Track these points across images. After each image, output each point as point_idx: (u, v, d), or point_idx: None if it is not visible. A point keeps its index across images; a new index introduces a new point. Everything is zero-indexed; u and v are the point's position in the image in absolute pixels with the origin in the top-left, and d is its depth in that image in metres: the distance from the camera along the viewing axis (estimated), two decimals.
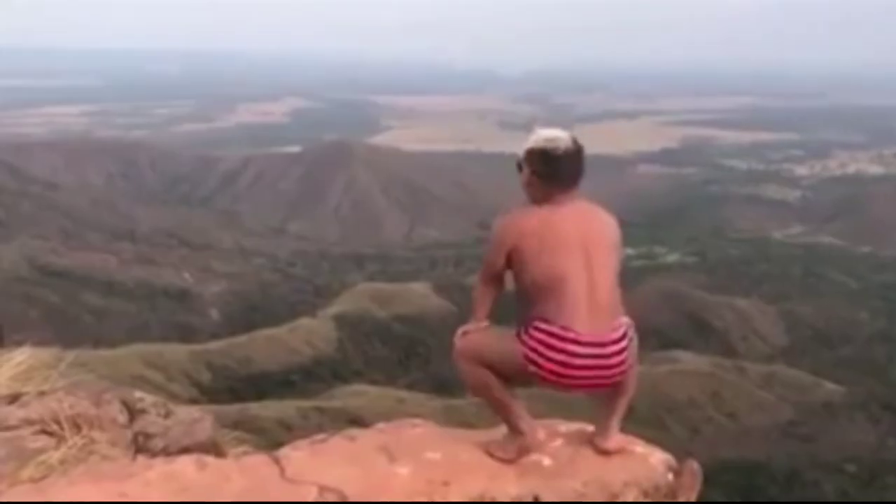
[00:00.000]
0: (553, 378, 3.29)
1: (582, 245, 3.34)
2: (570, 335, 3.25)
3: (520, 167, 3.53)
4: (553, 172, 3.40)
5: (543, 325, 3.26)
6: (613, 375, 3.36)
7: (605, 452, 3.52)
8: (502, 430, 3.60)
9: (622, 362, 3.36)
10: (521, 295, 3.37)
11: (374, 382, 58.91)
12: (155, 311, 79.07)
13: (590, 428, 3.72)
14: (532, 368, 3.28)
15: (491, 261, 3.44)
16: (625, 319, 3.43)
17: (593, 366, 3.29)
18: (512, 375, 3.39)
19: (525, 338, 3.29)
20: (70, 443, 3.29)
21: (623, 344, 3.36)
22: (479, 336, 3.47)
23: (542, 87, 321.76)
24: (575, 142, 3.45)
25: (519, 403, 3.47)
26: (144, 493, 2.78)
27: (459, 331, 3.56)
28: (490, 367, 3.38)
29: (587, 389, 3.40)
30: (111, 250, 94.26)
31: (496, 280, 3.49)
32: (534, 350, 3.26)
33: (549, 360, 3.26)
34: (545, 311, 3.28)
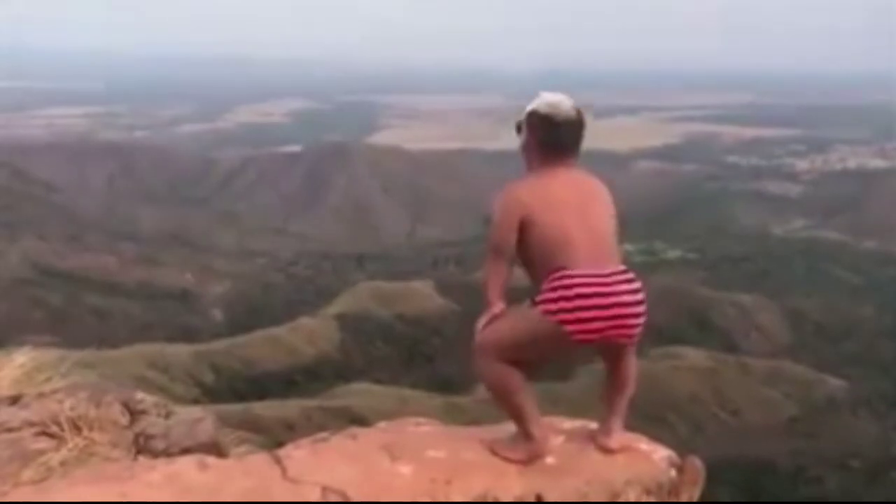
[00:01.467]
0: (579, 327, 3.17)
1: (580, 204, 3.33)
2: (587, 274, 3.19)
3: (519, 129, 3.51)
4: (552, 138, 3.37)
5: (559, 274, 3.19)
6: (634, 319, 3.26)
7: (608, 450, 3.50)
8: (506, 428, 3.58)
9: (640, 303, 3.27)
10: (528, 265, 3.32)
11: (376, 381, 58.94)
12: (157, 311, 79.16)
13: (592, 425, 3.70)
14: (556, 319, 3.16)
15: (501, 238, 3.31)
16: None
17: (616, 304, 3.20)
18: (529, 353, 3.31)
19: (542, 297, 3.21)
20: (71, 444, 3.29)
21: (638, 285, 3.29)
22: (497, 323, 3.35)
23: (543, 84, 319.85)
24: (577, 111, 3.43)
25: (534, 406, 3.40)
26: (146, 495, 2.77)
27: (478, 324, 3.42)
28: (508, 351, 3.29)
29: (612, 336, 3.26)
30: (113, 251, 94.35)
31: (507, 259, 3.36)
32: (554, 301, 3.17)
33: (574, 305, 3.16)
34: (553, 266, 3.22)
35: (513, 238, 3.29)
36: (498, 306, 3.37)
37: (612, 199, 3.46)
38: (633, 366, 3.50)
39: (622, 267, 3.30)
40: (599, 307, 3.17)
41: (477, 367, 3.39)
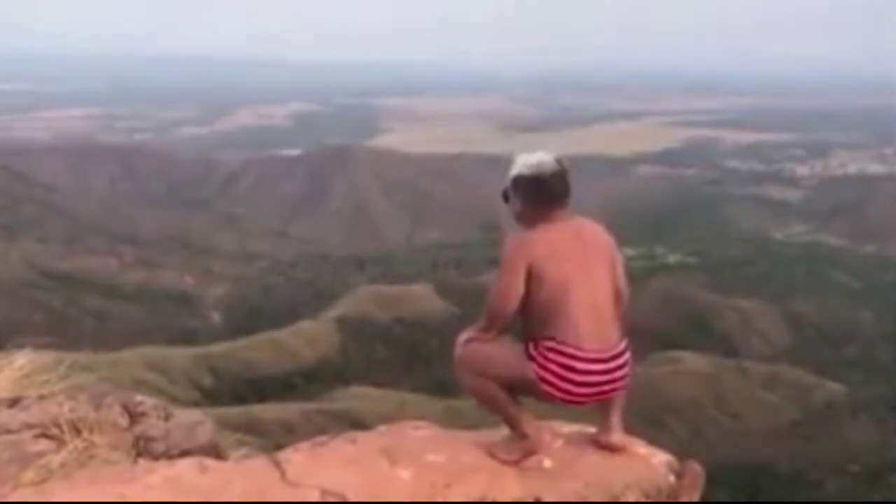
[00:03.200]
0: (565, 397, 3.32)
1: (582, 257, 3.38)
2: (587, 355, 3.29)
3: (506, 198, 3.57)
4: (545, 195, 3.43)
5: (556, 346, 3.27)
6: (617, 388, 3.42)
7: (609, 448, 3.52)
8: (504, 431, 3.59)
9: (625, 375, 3.42)
10: (528, 313, 3.35)
11: (375, 385, 58.92)
12: (156, 314, 79.14)
13: (590, 429, 3.71)
14: (545, 388, 3.29)
15: (511, 286, 3.32)
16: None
17: (603, 381, 3.35)
18: (516, 389, 3.39)
19: (537, 357, 3.29)
20: (70, 446, 3.29)
21: (626, 357, 3.42)
22: (485, 349, 3.41)
23: (544, 88, 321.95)
24: (558, 161, 3.50)
25: (521, 408, 3.46)
26: (145, 497, 2.77)
27: (461, 337, 3.52)
28: (497, 380, 3.37)
29: (592, 402, 3.44)
30: (113, 254, 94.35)
31: (512, 311, 3.37)
32: (549, 371, 3.27)
33: (565, 380, 3.27)
34: (553, 328, 3.29)
35: (521, 285, 3.33)
36: (489, 335, 3.45)
37: (612, 245, 3.54)
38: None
39: (620, 344, 3.40)
40: (588, 384, 3.32)
41: (459, 376, 3.47)
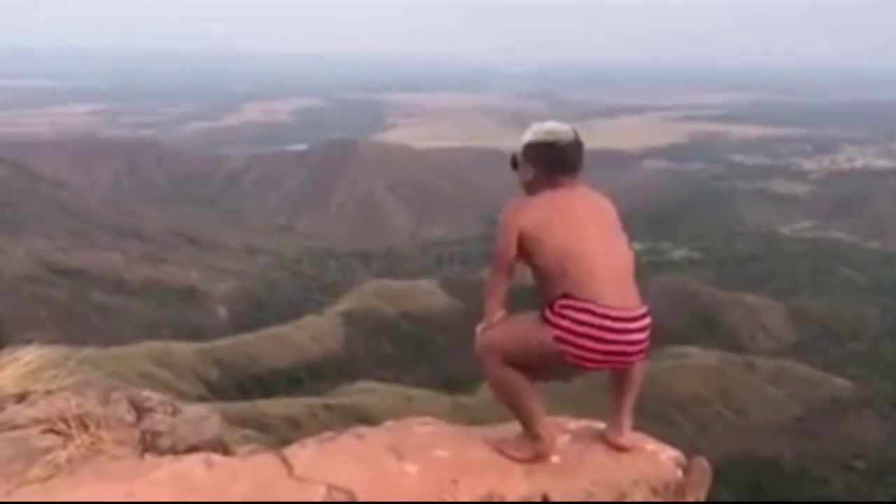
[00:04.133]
0: (581, 355, 3.19)
1: (594, 221, 3.35)
2: (602, 310, 3.18)
3: (514, 164, 3.55)
4: (559, 163, 3.40)
5: (573, 302, 3.18)
6: (634, 353, 3.29)
7: (619, 448, 3.50)
8: (512, 427, 3.58)
9: (644, 340, 3.30)
10: (541, 277, 3.30)
11: (381, 380, 58.99)
12: (163, 309, 79.33)
13: (598, 425, 3.70)
14: (563, 347, 3.18)
15: (501, 249, 3.34)
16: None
17: (621, 341, 3.21)
18: (535, 364, 3.31)
19: (553, 317, 3.20)
20: (77, 442, 3.29)
21: (647, 321, 3.32)
22: (501, 328, 3.37)
23: (549, 83, 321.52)
24: (574, 131, 3.47)
25: (540, 407, 3.41)
26: (152, 493, 2.77)
27: (478, 329, 3.47)
28: (515, 358, 3.30)
29: (608, 366, 3.33)
30: (119, 249, 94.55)
31: (508, 270, 3.39)
32: (566, 329, 3.17)
33: (582, 335, 3.16)
34: (568, 286, 3.20)
35: (512, 249, 3.33)
36: (500, 314, 3.42)
37: (616, 215, 3.50)
38: (638, 369, 3.50)
39: (643, 306, 3.32)
40: (605, 341, 3.20)
41: (484, 367, 3.40)
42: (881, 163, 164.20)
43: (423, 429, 3.60)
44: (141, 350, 55.12)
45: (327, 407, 46.97)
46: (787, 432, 55.57)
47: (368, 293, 76.00)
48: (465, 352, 65.97)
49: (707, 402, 58.25)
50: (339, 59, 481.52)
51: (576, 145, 3.43)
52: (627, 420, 3.55)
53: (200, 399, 47.41)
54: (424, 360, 69.09)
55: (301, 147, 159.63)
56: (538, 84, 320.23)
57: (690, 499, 3.52)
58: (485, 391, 54.26)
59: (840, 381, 64.28)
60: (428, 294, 77.32)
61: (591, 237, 3.28)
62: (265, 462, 3.11)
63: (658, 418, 52.76)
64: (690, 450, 3.80)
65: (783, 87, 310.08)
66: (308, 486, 2.93)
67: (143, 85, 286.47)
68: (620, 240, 3.41)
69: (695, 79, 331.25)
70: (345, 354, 66.31)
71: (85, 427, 3.42)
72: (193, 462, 3.02)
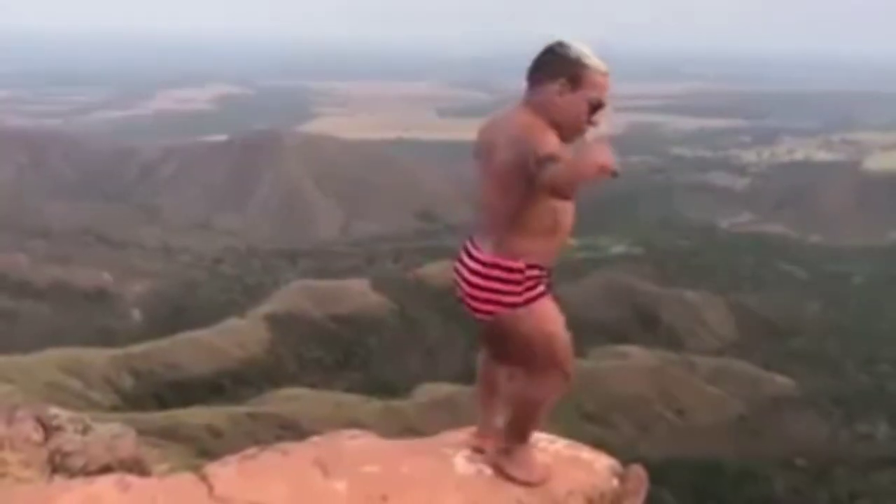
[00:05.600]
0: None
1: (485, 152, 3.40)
2: (465, 244, 3.44)
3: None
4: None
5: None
6: (467, 297, 3.35)
7: (479, 451, 3.59)
8: (446, 438, 3.63)
9: (473, 287, 3.29)
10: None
11: (309, 386, 58.53)
12: (72, 313, 77.33)
13: (541, 435, 3.77)
14: None
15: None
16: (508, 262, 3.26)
17: (457, 276, 3.41)
18: None
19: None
20: None
21: (480, 268, 3.28)
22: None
23: (481, 71, 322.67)
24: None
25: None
26: None
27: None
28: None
29: (465, 307, 3.41)
30: (22, 249, 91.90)
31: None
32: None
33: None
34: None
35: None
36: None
37: (518, 134, 3.21)
38: (511, 381, 3.53)
39: (480, 250, 3.31)
40: (455, 271, 3.44)
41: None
42: (822, 155, 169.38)
43: (351, 443, 3.62)
44: (48, 358, 53.62)
45: (251, 415, 46.40)
46: (729, 432, 56.95)
47: (295, 294, 75.30)
48: (397, 355, 66.04)
49: (647, 402, 59.32)
50: (259, 44, 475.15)
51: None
52: (499, 424, 3.60)
53: (114, 409, 46.46)
54: (355, 364, 68.81)
55: (221, 138, 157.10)
56: (473, 72, 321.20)
57: None
58: (418, 396, 54.43)
59: (781, 379, 66.13)
60: (358, 294, 76.96)
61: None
62: (184, 482, 3.10)
63: (597, 420, 53.66)
64: (630, 451, 3.90)
65: (721, 76, 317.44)
66: None
67: (47, 70, 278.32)
68: (492, 173, 3.25)
69: (632, 68, 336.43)
70: (270, 359, 65.58)
71: None
72: (107, 484, 2.99)
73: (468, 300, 3.33)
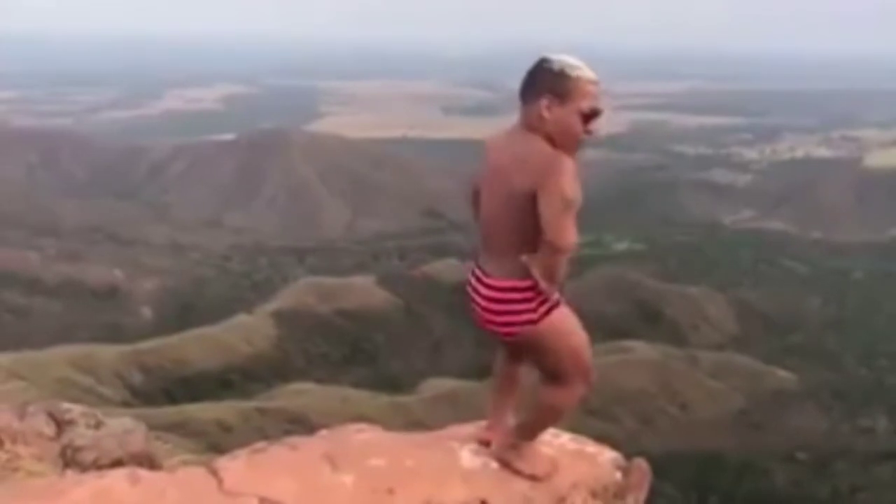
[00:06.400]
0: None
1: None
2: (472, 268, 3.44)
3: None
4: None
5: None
6: (482, 319, 3.36)
7: (485, 444, 3.59)
8: (454, 432, 3.63)
9: (488, 310, 3.30)
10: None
11: (316, 381, 58.60)
12: (82, 310, 77.49)
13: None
14: None
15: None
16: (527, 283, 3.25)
17: (470, 299, 3.41)
18: None
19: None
20: None
21: (493, 293, 3.28)
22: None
23: (487, 70, 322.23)
24: None
25: None
26: None
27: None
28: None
29: (479, 326, 3.42)
30: (33, 246, 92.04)
31: None
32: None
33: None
34: None
35: None
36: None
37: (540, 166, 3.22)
38: (521, 372, 3.58)
39: (491, 276, 3.30)
40: (467, 295, 3.42)
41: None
42: (822, 152, 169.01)
43: (358, 437, 3.62)
44: (60, 354, 53.75)
45: (260, 410, 46.49)
46: (731, 425, 56.93)
47: (302, 290, 75.36)
48: (403, 350, 66.04)
49: (650, 396, 59.32)
50: (267, 44, 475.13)
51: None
52: (511, 421, 3.61)
53: (125, 404, 46.59)
54: (361, 359, 68.88)
55: (228, 137, 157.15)
56: (478, 71, 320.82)
57: (630, 501, 3.62)
58: (424, 391, 54.50)
59: (782, 373, 66.09)
60: (364, 290, 77.01)
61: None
62: (194, 476, 3.10)
63: (601, 414, 53.61)
64: (633, 444, 3.90)
65: (723, 75, 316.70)
66: (239, 499, 2.93)
67: (57, 71, 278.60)
68: (505, 196, 3.23)
69: (635, 67, 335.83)
70: (277, 355, 65.65)
71: (0, 443, 3.36)
72: (118, 478, 2.99)
73: (489, 326, 3.34)
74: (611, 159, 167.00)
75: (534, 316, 3.24)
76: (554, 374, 3.35)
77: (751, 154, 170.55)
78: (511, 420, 3.61)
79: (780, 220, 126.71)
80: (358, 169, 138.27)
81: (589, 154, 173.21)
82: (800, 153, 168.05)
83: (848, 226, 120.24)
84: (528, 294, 3.23)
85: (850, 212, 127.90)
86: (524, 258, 3.18)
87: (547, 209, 3.08)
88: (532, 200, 3.12)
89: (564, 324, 3.30)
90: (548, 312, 3.26)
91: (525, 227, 3.16)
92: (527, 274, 3.21)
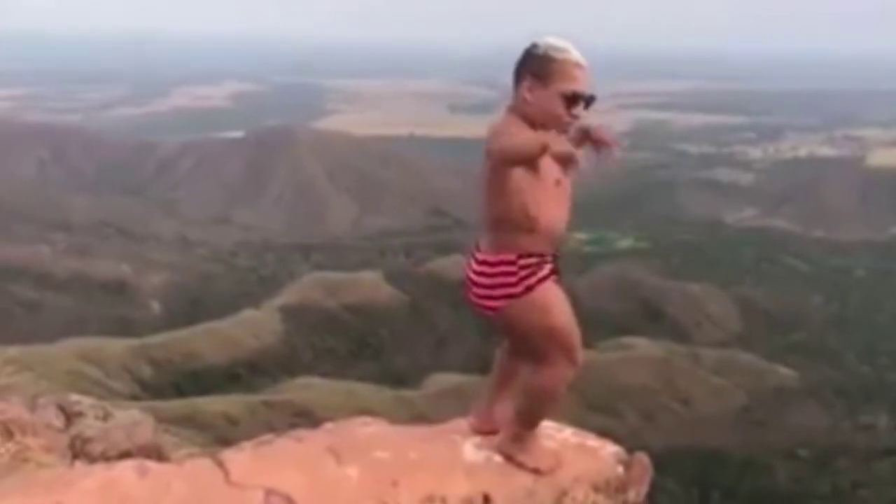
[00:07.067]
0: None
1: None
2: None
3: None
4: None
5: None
6: (471, 295, 3.38)
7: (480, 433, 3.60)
8: (457, 425, 3.63)
9: (476, 284, 3.33)
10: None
11: (323, 375, 58.65)
12: (92, 304, 77.67)
13: (548, 423, 3.77)
14: None
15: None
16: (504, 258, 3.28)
17: (464, 278, 3.43)
18: None
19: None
20: (2, 450, 3.25)
21: (480, 268, 3.31)
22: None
23: (493, 68, 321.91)
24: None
25: None
26: None
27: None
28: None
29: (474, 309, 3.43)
30: (44, 241, 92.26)
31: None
32: None
33: None
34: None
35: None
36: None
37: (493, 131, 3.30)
38: (526, 372, 3.50)
39: (482, 251, 3.34)
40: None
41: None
42: (825, 151, 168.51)
43: (363, 430, 3.63)
44: (69, 347, 53.91)
45: (267, 404, 46.58)
46: (733, 422, 56.88)
47: (308, 286, 75.41)
48: (408, 346, 66.04)
49: (653, 392, 59.28)
50: (274, 43, 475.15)
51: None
52: (494, 407, 3.61)
53: (134, 398, 46.68)
54: (367, 354, 68.94)
55: (236, 134, 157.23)
56: (484, 69, 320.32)
57: (632, 494, 3.62)
58: (428, 386, 54.54)
59: (784, 371, 65.97)
60: (370, 286, 77.01)
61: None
62: (201, 468, 3.11)
63: (604, 410, 53.63)
64: (636, 441, 3.90)
65: (726, 74, 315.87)
66: (245, 491, 2.94)
67: (68, 69, 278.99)
68: (482, 174, 3.29)
69: (638, 66, 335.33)
70: (284, 349, 65.75)
71: (10, 434, 3.37)
72: (126, 469, 3.00)
73: (473, 299, 3.36)
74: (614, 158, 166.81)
75: (515, 290, 3.24)
76: (537, 355, 3.33)
77: (754, 153, 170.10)
78: (499, 412, 3.61)
79: (783, 219, 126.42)
80: (364, 166, 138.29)
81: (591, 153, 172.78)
82: (802, 152, 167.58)
83: (850, 224, 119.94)
84: (509, 268, 3.24)
85: (852, 211, 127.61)
86: None
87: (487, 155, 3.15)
88: (490, 174, 3.19)
89: (547, 300, 3.27)
90: (531, 288, 3.25)
91: (492, 201, 3.23)
92: (510, 248, 3.24)
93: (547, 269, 3.30)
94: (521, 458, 3.41)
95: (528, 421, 3.43)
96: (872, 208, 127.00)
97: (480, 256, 3.31)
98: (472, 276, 3.34)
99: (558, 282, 3.35)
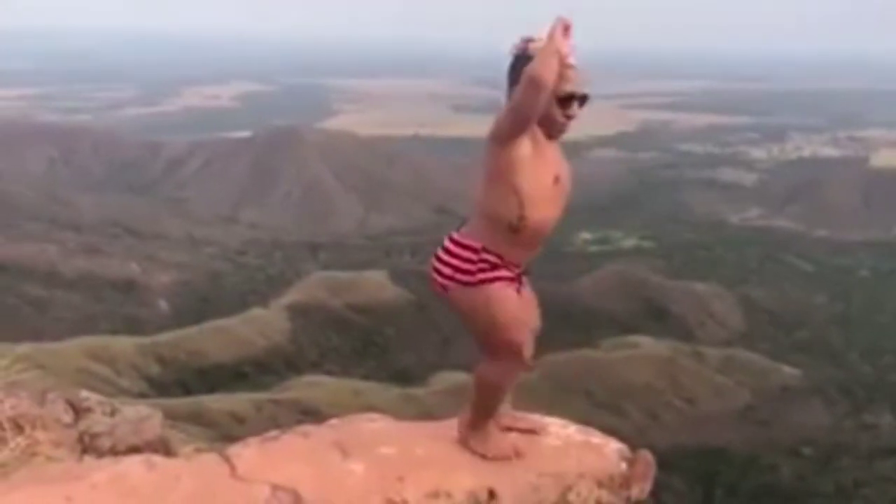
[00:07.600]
0: None
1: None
2: None
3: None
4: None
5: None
6: (431, 270, 3.44)
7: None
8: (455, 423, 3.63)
9: (437, 262, 3.38)
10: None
11: (329, 373, 58.74)
12: (100, 302, 77.85)
13: (546, 419, 3.77)
14: None
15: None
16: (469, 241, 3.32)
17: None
18: None
19: None
20: (12, 444, 3.26)
21: (447, 244, 3.36)
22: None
23: (497, 69, 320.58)
24: None
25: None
26: (91, 497, 2.76)
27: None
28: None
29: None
30: (53, 240, 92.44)
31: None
32: None
33: None
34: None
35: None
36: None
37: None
38: (483, 366, 3.48)
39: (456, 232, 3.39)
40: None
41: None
42: (829, 151, 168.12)
43: (369, 425, 3.64)
44: (78, 345, 54.01)
45: (273, 402, 46.65)
46: (736, 420, 56.80)
47: (315, 285, 75.49)
48: (414, 344, 66.04)
49: (657, 391, 59.20)
50: (281, 43, 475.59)
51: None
52: (465, 415, 3.57)
53: (142, 395, 46.79)
54: (373, 352, 68.98)
55: (244, 134, 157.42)
56: (488, 70, 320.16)
57: (635, 491, 3.62)
58: (434, 383, 54.55)
59: (788, 369, 65.85)
60: (377, 285, 77.07)
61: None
62: (208, 462, 3.12)
63: (608, 408, 53.60)
64: (641, 439, 3.90)
65: (730, 74, 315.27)
66: (252, 486, 2.95)
67: (77, 68, 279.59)
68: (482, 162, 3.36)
69: (643, 67, 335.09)
70: (291, 348, 65.82)
71: (20, 429, 3.39)
72: (134, 463, 3.02)
73: (432, 274, 3.41)
74: (619, 158, 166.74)
75: (468, 278, 3.26)
76: (484, 347, 3.38)
77: (758, 153, 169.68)
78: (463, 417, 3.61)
79: (787, 219, 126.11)
80: (370, 166, 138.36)
81: (598, 153, 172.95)
82: (806, 152, 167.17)
83: (854, 224, 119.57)
84: (470, 255, 3.26)
85: (856, 211, 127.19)
86: None
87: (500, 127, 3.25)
88: (486, 163, 3.24)
89: (499, 297, 3.26)
90: (484, 282, 3.25)
91: (480, 189, 3.27)
92: (475, 237, 3.27)
93: (509, 277, 3.31)
94: (473, 444, 3.42)
95: (479, 410, 3.44)
96: (876, 208, 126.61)
97: (454, 235, 3.35)
98: (439, 250, 3.39)
99: (519, 291, 3.34)
